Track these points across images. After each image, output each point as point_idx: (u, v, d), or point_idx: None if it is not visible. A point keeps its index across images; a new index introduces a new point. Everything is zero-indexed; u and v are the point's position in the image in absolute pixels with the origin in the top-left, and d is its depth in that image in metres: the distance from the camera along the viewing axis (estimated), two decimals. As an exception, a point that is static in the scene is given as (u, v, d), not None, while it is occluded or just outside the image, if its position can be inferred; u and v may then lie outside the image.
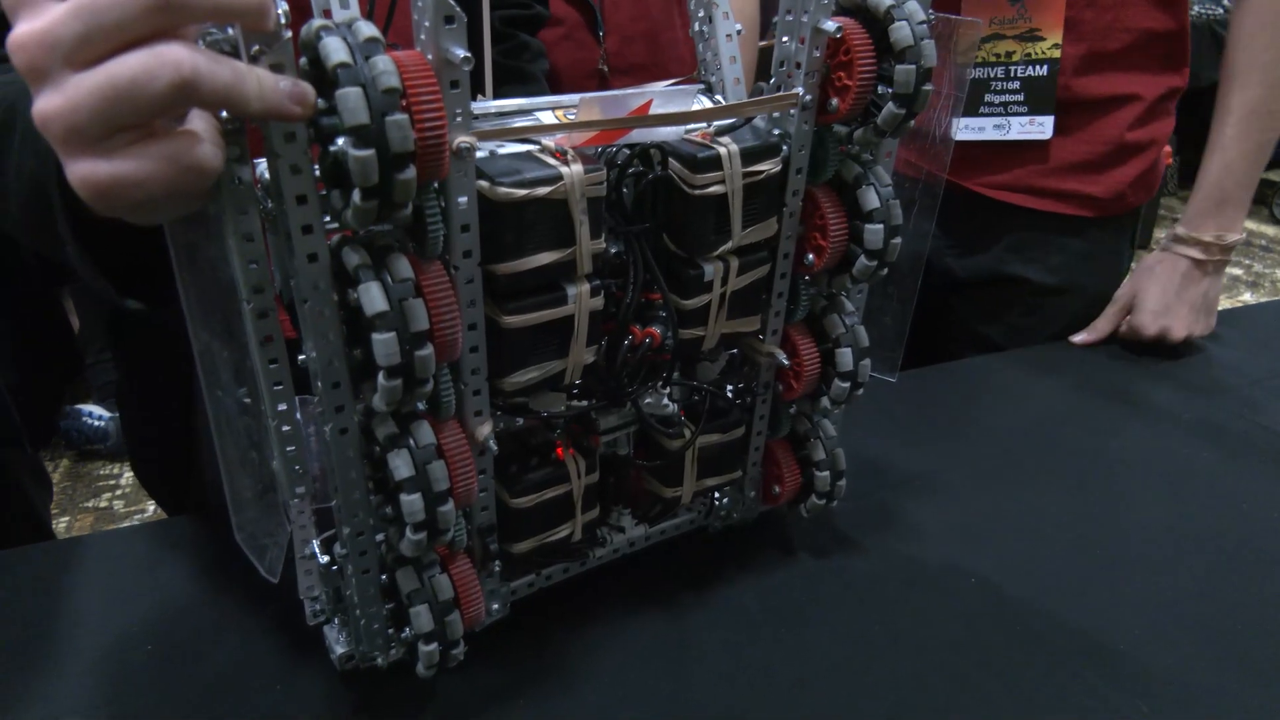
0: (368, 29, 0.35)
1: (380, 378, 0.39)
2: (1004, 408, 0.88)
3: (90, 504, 1.97)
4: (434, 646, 0.48)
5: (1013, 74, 0.91)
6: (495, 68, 0.77)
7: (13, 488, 0.83)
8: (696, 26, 0.55)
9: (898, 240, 0.53)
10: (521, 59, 0.83)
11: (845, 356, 0.56)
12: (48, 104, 0.31)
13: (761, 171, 0.48)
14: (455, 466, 0.45)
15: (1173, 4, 0.90)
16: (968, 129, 0.94)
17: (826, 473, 0.62)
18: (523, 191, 0.42)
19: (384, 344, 0.38)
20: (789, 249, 0.54)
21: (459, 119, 0.39)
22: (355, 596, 0.49)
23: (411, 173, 0.36)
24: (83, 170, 0.32)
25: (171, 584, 0.61)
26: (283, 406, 0.43)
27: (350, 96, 0.33)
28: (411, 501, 0.43)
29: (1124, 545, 0.67)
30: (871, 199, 0.51)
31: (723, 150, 0.47)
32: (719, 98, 0.54)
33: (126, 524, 1.86)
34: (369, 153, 0.34)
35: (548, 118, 0.48)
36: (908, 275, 0.61)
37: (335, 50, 0.34)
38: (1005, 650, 0.57)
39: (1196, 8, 2.92)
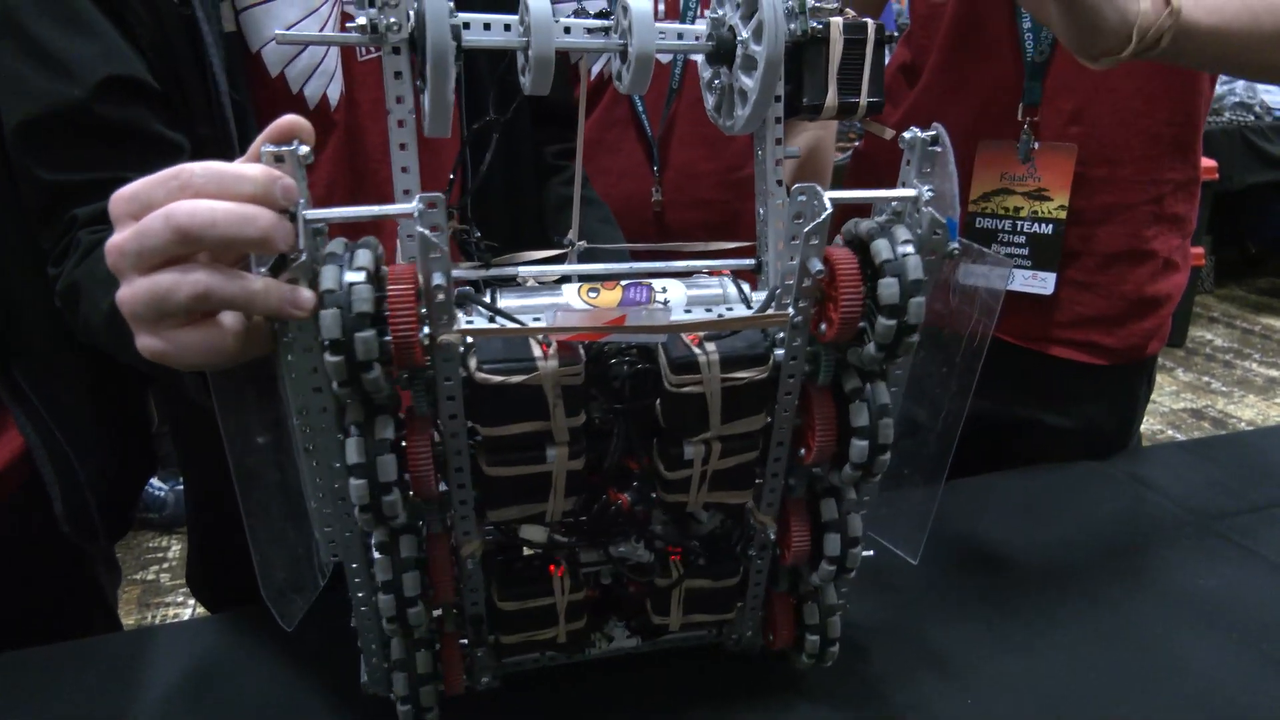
0: (363, 258, 0.44)
1: (355, 511, 0.49)
2: (1000, 532, 0.89)
3: (138, 576, 2.08)
4: (408, 708, 0.59)
5: (1019, 229, 0.95)
6: (557, 197, 0.84)
7: (87, 579, 0.88)
8: (761, 212, 0.59)
9: (886, 457, 0.54)
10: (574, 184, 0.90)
11: (832, 542, 0.58)
12: (120, 294, 0.43)
13: (743, 378, 0.52)
14: (436, 573, 0.54)
15: (1187, 153, 0.93)
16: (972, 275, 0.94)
17: (816, 638, 0.64)
18: (499, 378, 0.49)
19: (356, 489, 0.48)
20: (784, 438, 0.57)
21: (444, 321, 0.47)
22: (363, 651, 0.60)
23: (376, 372, 0.44)
24: (141, 342, 0.44)
25: (235, 675, 0.69)
26: (321, 495, 0.55)
27: (327, 318, 0.43)
28: (386, 600, 0.53)
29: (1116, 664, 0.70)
30: (861, 416, 0.53)
31: (702, 358, 0.51)
32: (748, 291, 0.57)
33: (171, 598, 2.01)
34: (339, 359, 0.43)
35: (570, 290, 0.56)
36: (939, 455, 0.61)
37: (326, 278, 0.43)
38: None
39: (1228, 114, 3.07)
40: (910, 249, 0.48)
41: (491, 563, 0.59)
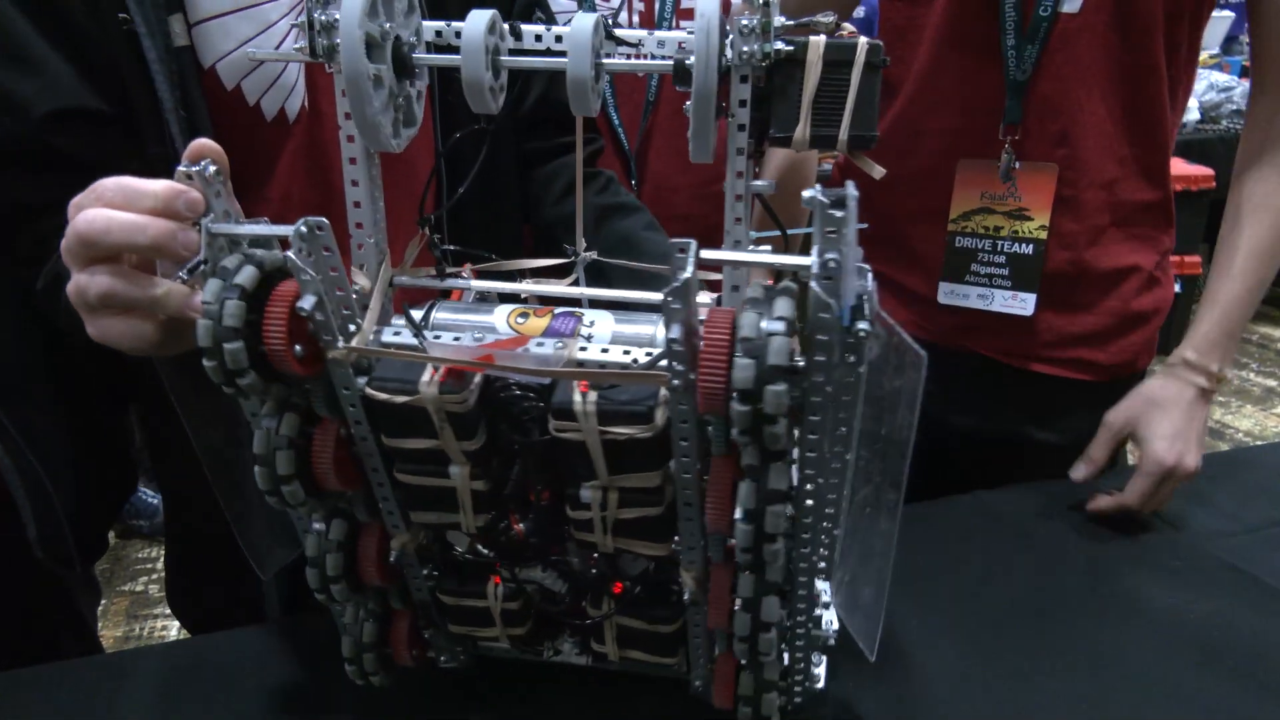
0: (244, 276, 0.48)
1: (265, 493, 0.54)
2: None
3: (126, 587, 2.09)
4: (353, 668, 0.64)
5: (999, 248, 0.94)
6: (594, 208, 0.82)
7: (63, 602, 0.87)
8: (723, 244, 0.54)
9: (777, 546, 0.48)
10: (609, 192, 0.86)
11: (742, 621, 0.53)
12: (67, 287, 0.51)
13: (622, 434, 0.49)
14: (362, 559, 0.59)
15: (1158, 176, 0.95)
16: (952, 294, 0.97)
17: (749, 710, 0.59)
18: (383, 395, 0.51)
19: (260, 474, 0.53)
20: (690, 500, 0.52)
21: (327, 339, 0.50)
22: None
23: (250, 378, 0.49)
24: (86, 325, 0.52)
25: (207, 702, 0.69)
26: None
27: (200, 328, 0.47)
28: (312, 574, 0.58)
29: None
30: (747, 498, 0.47)
31: (579, 407, 0.49)
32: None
33: (160, 609, 2.01)
34: (214, 363, 0.48)
35: (501, 312, 0.55)
36: (879, 555, 0.53)
37: (206, 291, 0.48)
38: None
39: (1225, 122, 3.05)
40: (780, 327, 0.42)
41: (430, 554, 0.62)
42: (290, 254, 0.47)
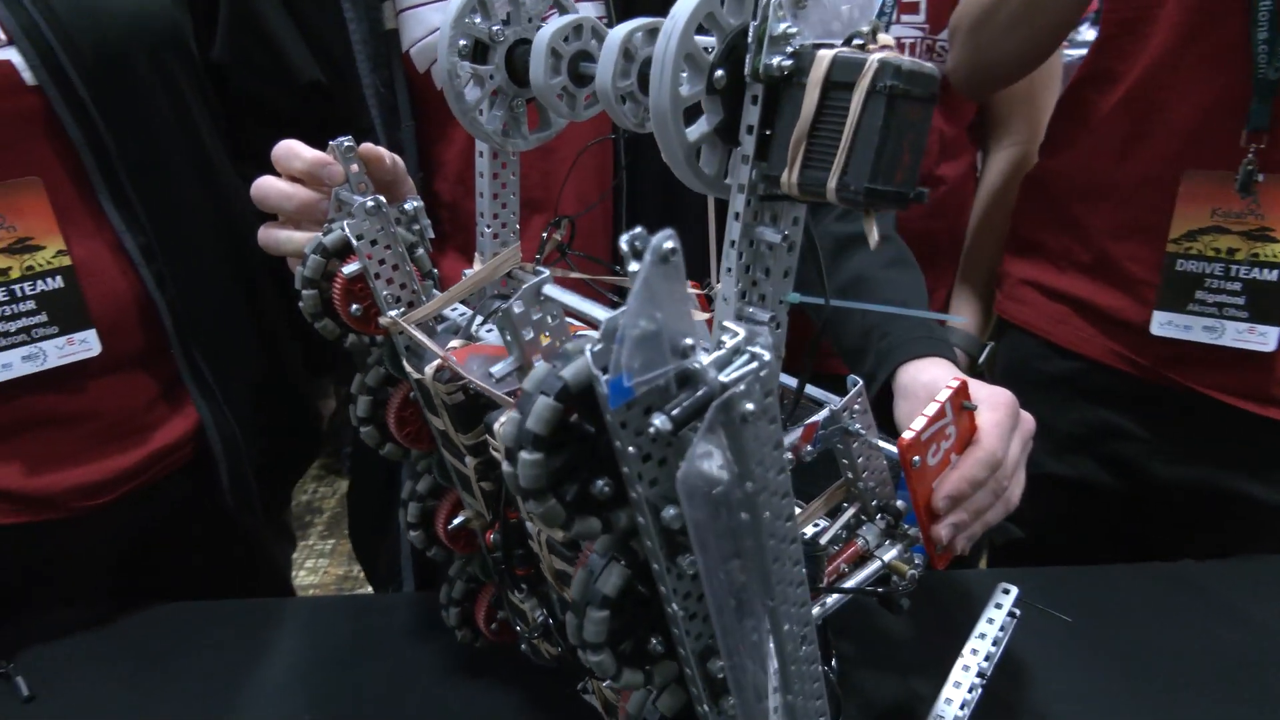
0: (330, 238, 0.56)
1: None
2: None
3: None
4: (445, 613, 0.70)
5: (1234, 273, 0.82)
6: (830, 238, 0.74)
7: (254, 546, 0.91)
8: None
9: (599, 658, 0.39)
10: (850, 218, 0.76)
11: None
12: None
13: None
14: (436, 516, 0.64)
15: None
16: (1170, 325, 0.85)
17: None
18: (408, 369, 0.55)
19: (350, 411, 0.62)
20: (598, 574, 0.45)
21: (382, 305, 0.55)
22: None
23: (324, 323, 0.57)
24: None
25: (353, 656, 0.73)
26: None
27: (296, 274, 0.57)
28: (400, 514, 0.66)
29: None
30: (576, 585, 0.40)
31: (497, 426, 0.46)
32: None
33: None
34: (302, 304, 0.57)
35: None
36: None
37: (308, 246, 0.57)
38: None
39: None
40: (553, 386, 0.35)
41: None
42: (345, 224, 0.54)
